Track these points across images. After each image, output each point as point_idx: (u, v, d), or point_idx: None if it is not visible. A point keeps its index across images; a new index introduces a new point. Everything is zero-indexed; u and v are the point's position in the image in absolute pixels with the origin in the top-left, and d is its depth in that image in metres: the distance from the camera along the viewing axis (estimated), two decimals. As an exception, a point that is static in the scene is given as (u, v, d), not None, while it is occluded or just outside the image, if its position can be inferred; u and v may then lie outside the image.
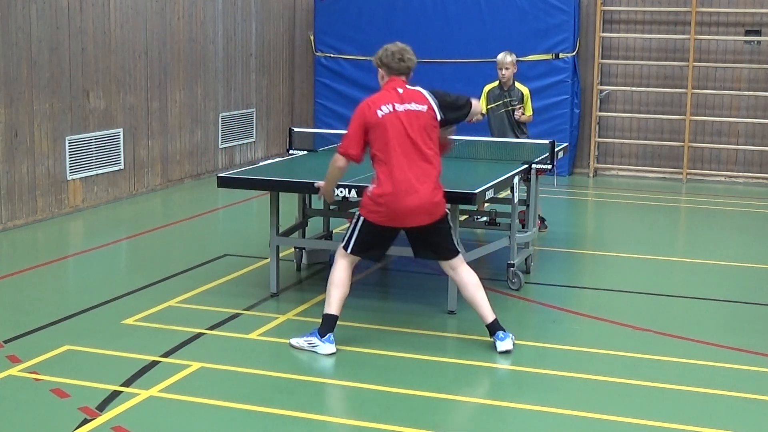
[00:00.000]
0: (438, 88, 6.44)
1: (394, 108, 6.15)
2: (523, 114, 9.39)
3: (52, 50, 10.02)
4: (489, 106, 9.54)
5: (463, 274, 6.40)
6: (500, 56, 9.51)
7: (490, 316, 6.33)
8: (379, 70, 6.32)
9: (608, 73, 13.97)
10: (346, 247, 6.34)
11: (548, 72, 13.57)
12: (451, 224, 6.41)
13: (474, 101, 6.56)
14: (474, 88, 14.29)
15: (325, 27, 14.54)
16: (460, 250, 6.44)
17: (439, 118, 6.26)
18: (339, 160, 6.27)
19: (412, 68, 6.34)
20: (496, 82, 9.58)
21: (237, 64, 13.50)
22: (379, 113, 6.15)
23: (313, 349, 6.22)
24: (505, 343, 6.25)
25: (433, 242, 6.37)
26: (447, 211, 6.37)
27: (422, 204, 6.16)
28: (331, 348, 6.19)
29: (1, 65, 9.37)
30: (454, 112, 6.43)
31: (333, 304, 6.26)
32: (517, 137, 9.44)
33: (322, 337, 6.22)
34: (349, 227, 6.42)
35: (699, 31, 13.45)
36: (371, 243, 6.35)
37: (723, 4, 13.37)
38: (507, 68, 9.42)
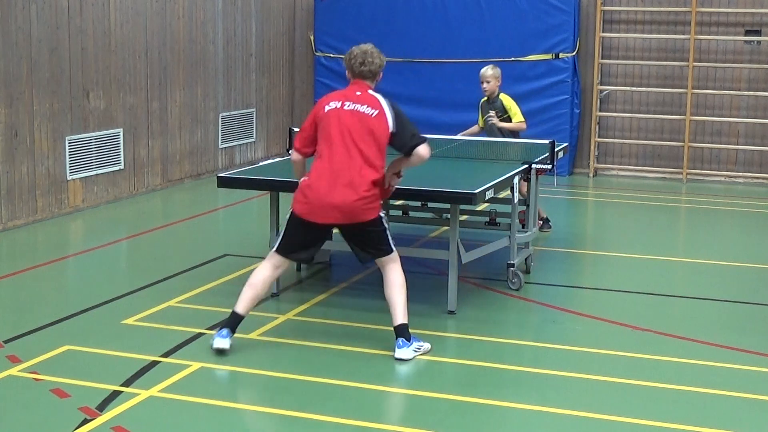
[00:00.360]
0: (403, 113, 6.26)
1: (342, 105, 6.17)
2: (500, 121, 9.39)
3: (52, 50, 10.02)
4: (482, 119, 9.64)
5: (391, 272, 6.32)
6: (482, 70, 9.59)
7: (400, 319, 6.20)
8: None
9: (608, 73, 13.97)
10: (275, 246, 6.36)
11: (548, 72, 13.57)
12: (386, 226, 6.27)
13: (423, 148, 6.17)
14: (474, 88, 14.29)
15: (325, 27, 14.54)
16: (393, 249, 6.33)
17: (391, 129, 6.15)
18: (293, 155, 6.38)
19: (375, 72, 6.30)
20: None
21: (237, 64, 13.50)
22: (326, 108, 6.20)
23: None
24: (402, 351, 6.12)
25: (366, 242, 6.30)
26: (381, 215, 6.22)
27: (343, 203, 6.06)
28: (221, 342, 6.10)
29: (1, 65, 9.37)
30: (401, 138, 6.19)
31: (240, 303, 6.24)
32: None
33: (219, 330, 6.19)
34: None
35: (699, 31, 13.45)
36: (297, 242, 6.27)
37: (723, 4, 13.38)
38: (488, 81, 9.49)
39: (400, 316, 6.21)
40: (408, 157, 6.23)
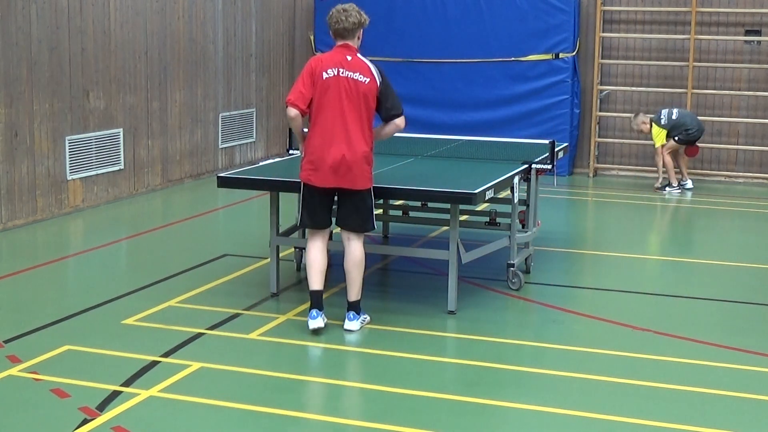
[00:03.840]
0: (389, 81, 6.56)
1: (338, 72, 6.40)
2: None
3: (52, 50, 10.02)
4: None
5: (355, 248, 6.62)
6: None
7: (355, 295, 6.64)
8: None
9: (608, 73, 13.97)
10: (299, 224, 6.75)
11: (548, 72, 13.57)
12: (373, 201, 6.58)
13: (401, 119, 6.59)
14: (474, 88, 14.38)
15: (325, 27, 14.28)
16: (368, 229, 6.62)
17: (378, 96, 6.45)
18: (290, 111, 6.48)
19: (351, 29, 6.48)
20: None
21: (237, 64, 13.50)
22: (325, 75, 6.40)
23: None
24: (352, 324, 6.60)
25: (352, 211, 6.54)
26: (371, 190, 6.55)
27: (353, 158, 6.36)
28: (313, 323, 6.51)
29: (1, 65, 9.37)
30: (383, 106, 6.52)
31: (314, 281, 6.60)
32: None
33: (309, 312, 6.58)
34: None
35: (699, 31, 13.45)
36: (314, 209, 6.56)
37: (723, 4, 13.37)
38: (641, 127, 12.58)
39: (355, 292, 6.64)
40: (384, 126, 6.60)
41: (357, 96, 6.39)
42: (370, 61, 6.54)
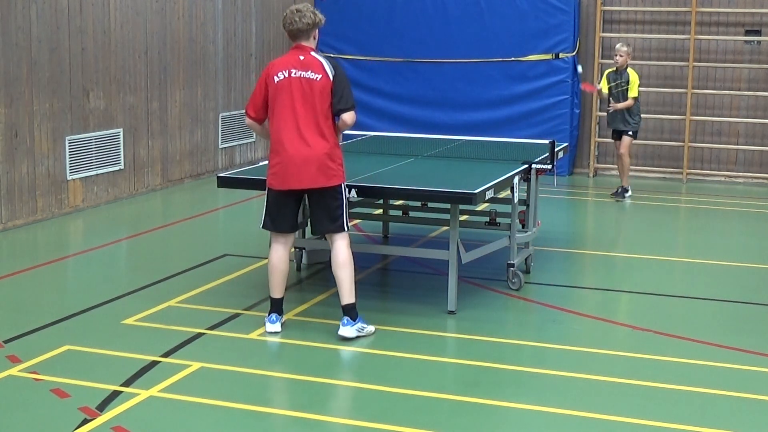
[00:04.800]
0: (345, 76, 6.49)
1: (289, 74, 6.37)
2: (619, 92, 11.59)
3: (52, 50, 10.02)
4: (606, 86, 11.69)
5: (339, 250, 6.50)
6: (618, 45, 11.87)
7: (347, 299, 6.47)
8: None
9: (608, 73, 13.95)
10: (262, 226, 6.64)
11: (548, 72, 13.57)
12: (344, 200, 6.48)
13: (348, 115, 6.41)
14: (474, 88, 14.37)
15: (325, 27, 14.30)
16: (346, 229, 6.51)
17: (330, 90, 6.38)
18: (246, 120, 6.59)
19: (304, 30, 6.46)
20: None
21: (237, 64, 13.50)
22: (276, 79, 6.40)
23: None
24: (346, 330, 6.43)
25: (322, 212, 6.46)
26: (342, 187, 6.46)
27: (312, 156, 6.30)
28: (271, 327, 6.54)
29: (1, 65, 9.37)
30: (332, 101, 6.41)
31: (274, 288, 6.60)
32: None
33: (268, 316, 6.59)
34: None
35: (699, 31, 13.45)
36: (276, 212, 6.51)
37: (723, 4, 13.37)
38: (621, 55, 11.56)
39: (347, 295, 6.46)
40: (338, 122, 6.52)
41: (311, 94, 6.34)
42: (325, 57, 6.52)
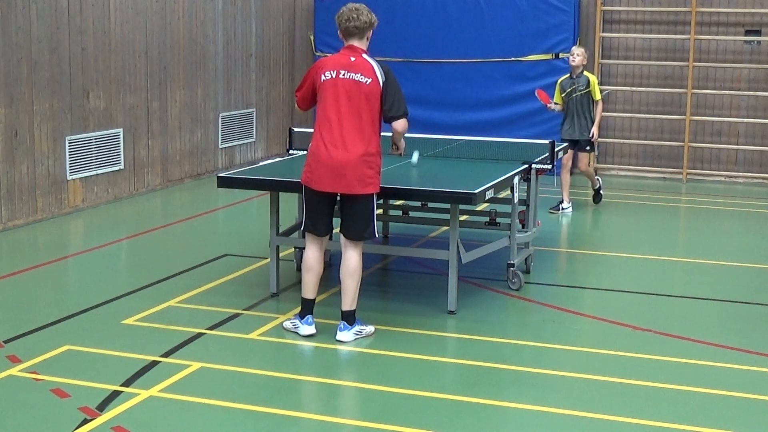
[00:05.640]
0: (396, 82, 6.42)
1: (337, 74, 6.29)
2: (582, 95, 10.88)
3: (52, 50, 10.02)
4: (561, 96, 10.95)
5: (351, 257, 6.47)
6: (573, 47, 11.19)
7: (348, 305, 6.46)
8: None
9: (608, 73, 13.96)
10: (303, 228, 6.60)
11: (548, 72, 13.54)
12: (374, 207, 6.41)
13: (399, 123, 6.42)
14: (474, 88, 14.37)
15: (325, 27, 14.52)
16: (376, 235, 6.49)
17: (380, 96, 6.32)
18: (296, 107, 6.67)
19: (362, 28, 6.34)
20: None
21: (237, 64, 13.50)
22: (323, 78, 6.33)
23: (295, 330, 6.51)
24: (343, 334, 6.42)
25: (356, 216, 6.38)
26: (374, 195, 6.39)
27: (349, 161, 6.22)
28: (308, 329, 6.47)
29: (1, 65, 9.37)
30: (383, 107, 6.37)
31: (307, 289, 6.52)
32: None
33: (301, 319, 6.50)
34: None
35: (699, 31, 13.45)
36: (315, 213, 6.45)
37: (723, 4, 13.38)
38: (578, 55, 10.84)
39: (348, 302, 6.47)
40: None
41: (358, 97, 6.25)
42: (377, 61, 6.37)
